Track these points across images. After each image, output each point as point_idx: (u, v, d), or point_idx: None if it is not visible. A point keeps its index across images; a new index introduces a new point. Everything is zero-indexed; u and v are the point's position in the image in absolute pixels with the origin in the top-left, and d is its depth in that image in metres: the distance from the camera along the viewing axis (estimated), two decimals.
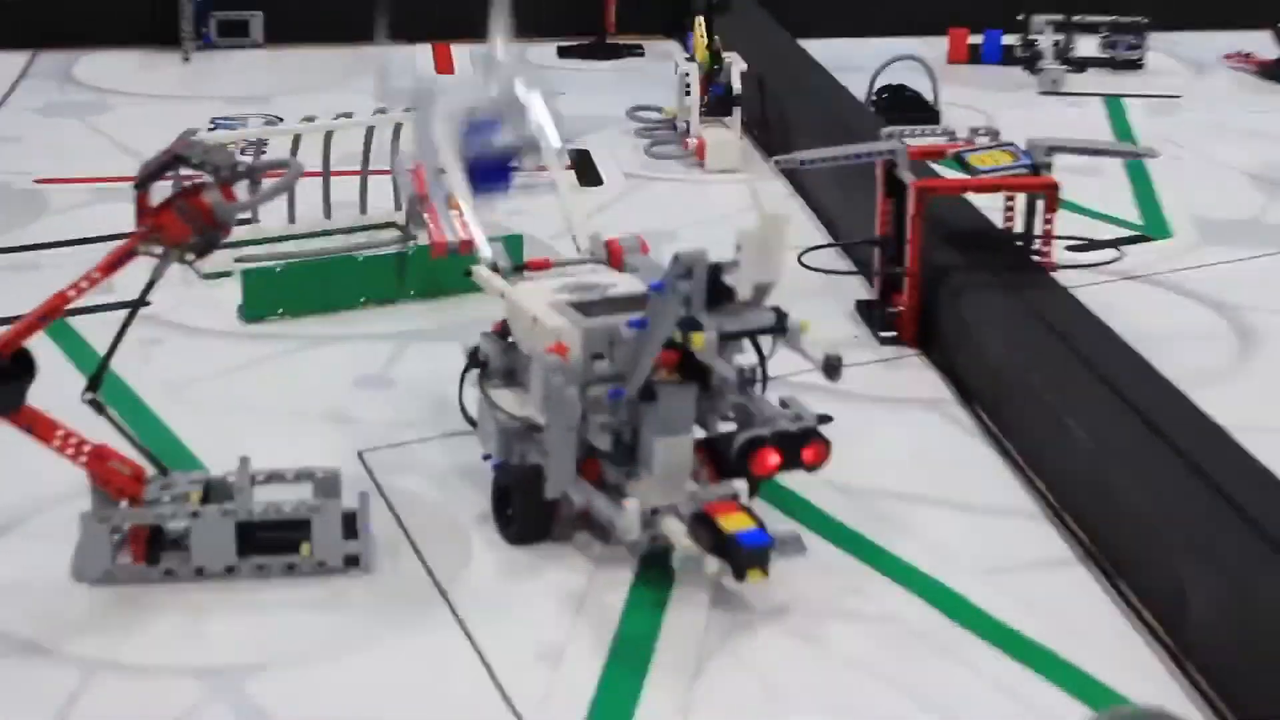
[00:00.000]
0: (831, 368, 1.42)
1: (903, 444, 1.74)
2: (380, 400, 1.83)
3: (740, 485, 1.47)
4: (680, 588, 1.44)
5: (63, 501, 1.55)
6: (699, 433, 1.51)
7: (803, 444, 1.44)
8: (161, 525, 1.48)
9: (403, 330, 1.99)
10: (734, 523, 1.40)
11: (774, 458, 1.44)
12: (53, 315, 1.44)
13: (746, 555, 1.38)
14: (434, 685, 1.35)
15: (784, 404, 1.49)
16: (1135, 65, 3.23)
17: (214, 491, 1.50)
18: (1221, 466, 1.51)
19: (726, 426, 1.49)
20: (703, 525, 1.41)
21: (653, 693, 1.34)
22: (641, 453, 1.43)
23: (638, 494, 1.41)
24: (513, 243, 2.08)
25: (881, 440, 1.75)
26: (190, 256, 1.45)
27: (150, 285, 1.46)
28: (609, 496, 1.44)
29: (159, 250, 1.43)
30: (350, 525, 1.48)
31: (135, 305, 1.48)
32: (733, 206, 2.30)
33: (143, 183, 1.50)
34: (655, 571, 1.46)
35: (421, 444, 1.71)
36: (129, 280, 1.44)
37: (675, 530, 1.41)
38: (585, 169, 2.61)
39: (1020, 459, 1.69)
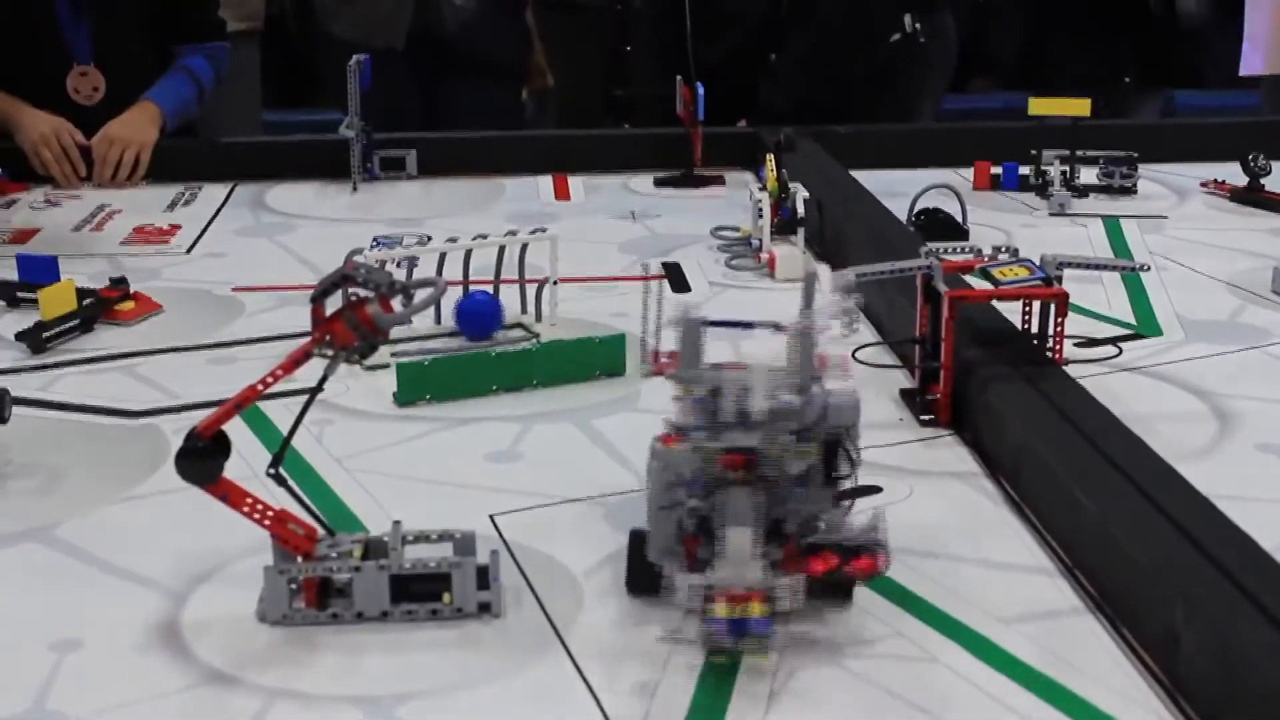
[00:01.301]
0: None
1: (939, 510, 1.70)
2: (508, 471, 1.81)
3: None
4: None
5: (249, 556, 1.54)
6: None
7: (856, 555, 1.39)
8: (329, 577, 1.47)
9: (527, 413, 1.98)
10: (749, 609, 1.34)
11: (827, 562, 1.38)
12: (245, 404, 1.44)
13: (752, 641, 1.34)
14: (551, 709, 1.33)
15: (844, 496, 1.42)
16: (1129, 191, 3.19)
17: (372, 549, 1.48)
18: (1206, 530, 1.48)
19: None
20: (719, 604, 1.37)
21: (734, 716, 1.31)
22: (717, 539, 1.39)
23: (717, 573, 1.37)
24: (615, 342, 2.08)
25: (921, 506, 1.72)
26: (356, 357, 1.45)
27: (324, 379, 1.46)
28: (690, 569, 1.40)
29: (330, 352, 1.43)
30: (483, 578, 1.47)
31: (312, 394, 1.47)
32: (797, 309, 2.27)
33: (317, 297, 1.50)
34: None
35: (542, 509, 1.69)
36: (305, 371, 1.44)
37: (719, 609, 1.37)
38: (677, 278, 2.61)
39: (1037, 523, 1.66)
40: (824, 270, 1.52)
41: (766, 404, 1.32)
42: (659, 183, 3.36)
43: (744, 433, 1.35)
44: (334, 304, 1.45)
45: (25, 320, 2.30)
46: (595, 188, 3.36)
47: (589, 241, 2.84)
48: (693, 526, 1.41)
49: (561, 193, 3.33)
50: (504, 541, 1.62)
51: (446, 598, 1.45)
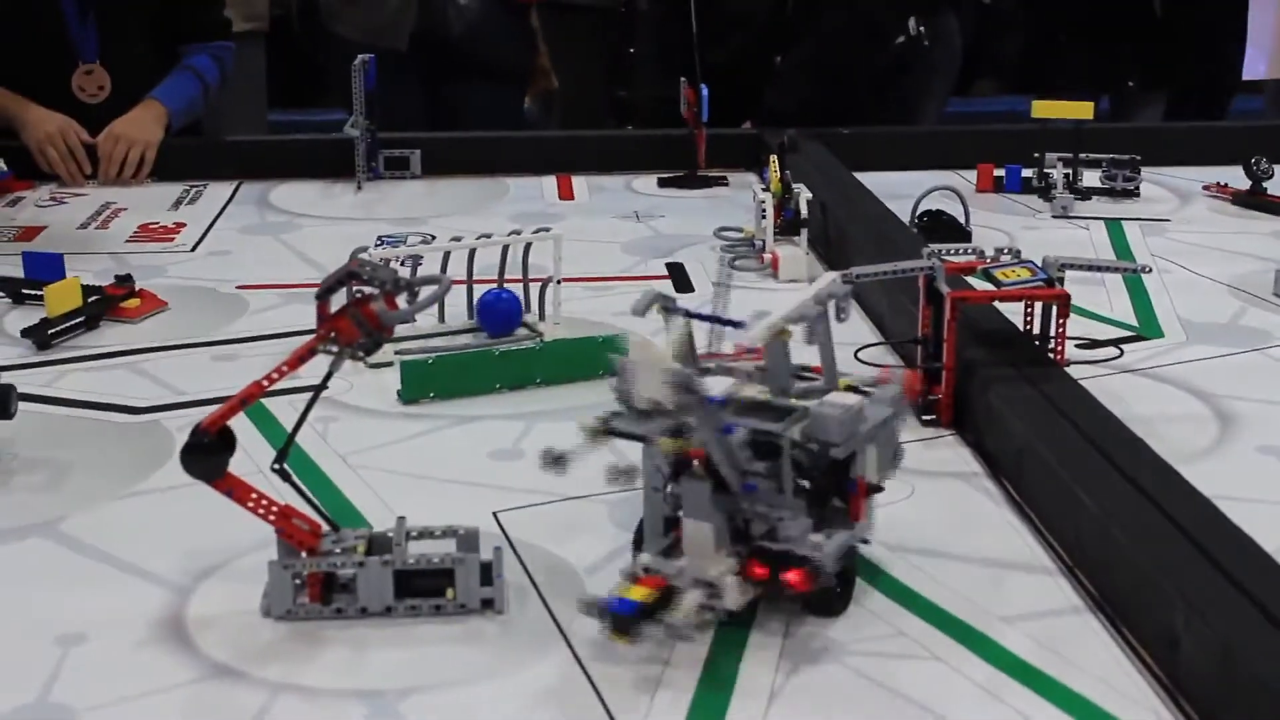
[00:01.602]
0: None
1: (940, 509, 1.71)
2: (511, 469, 1.82)
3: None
4: (757, 631, 1.42)
5: (254, 551, 1.54)
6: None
7: (788, 567, 1.38)
8: (333, 572, 1.48)
9: (530, 411, 1.98)
10: (631, 591, 1.36)
11: (758, 570, 1.39)
12: (250, 400, 1.44)
13: (610, 618, 1.35)
14: (553, 705, 1.34)
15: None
16: (1132, 194, 3.19)
17: (376, 545, 1.49)
18: (1205, 530, 1.48)
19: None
20: None
21: (736, 713, 1.32)
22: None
23: (680, 561, 1.39)
24: (618, 342, 2.08)
25: (922, 506, 1.72)
26: (360, 354, 1.46)
27: (329, 375, 1.47)
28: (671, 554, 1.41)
29: (335, 349, 1.44)
30: (487, 574, 1.47)
31: (316, 391, 1.48)
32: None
33: (322, 294, 1.51)
34: (739, 616, 1.43)
35: (545, 506, 1.70)
36: (309, 369, 1.45)
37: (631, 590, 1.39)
38: (679, 278, 2.62)
39: (1038, 522, 1.67)
40: (828, 276, 1.53)
41: (652, 392, 1.31)
42: (663, 183, 3.36)
43: (634, 420, 1.36)
44: (339, 301, 1.45)
45: (31, 317, 2.31)
46: (599, 188, 3.37)
47: (592, 241, 2.84)
48: (670, 510, 1.42)
49: (565, 193, 3.34)
50: (507, 538, 1.62)
51: (450, 593, 1.46)
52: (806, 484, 1.42)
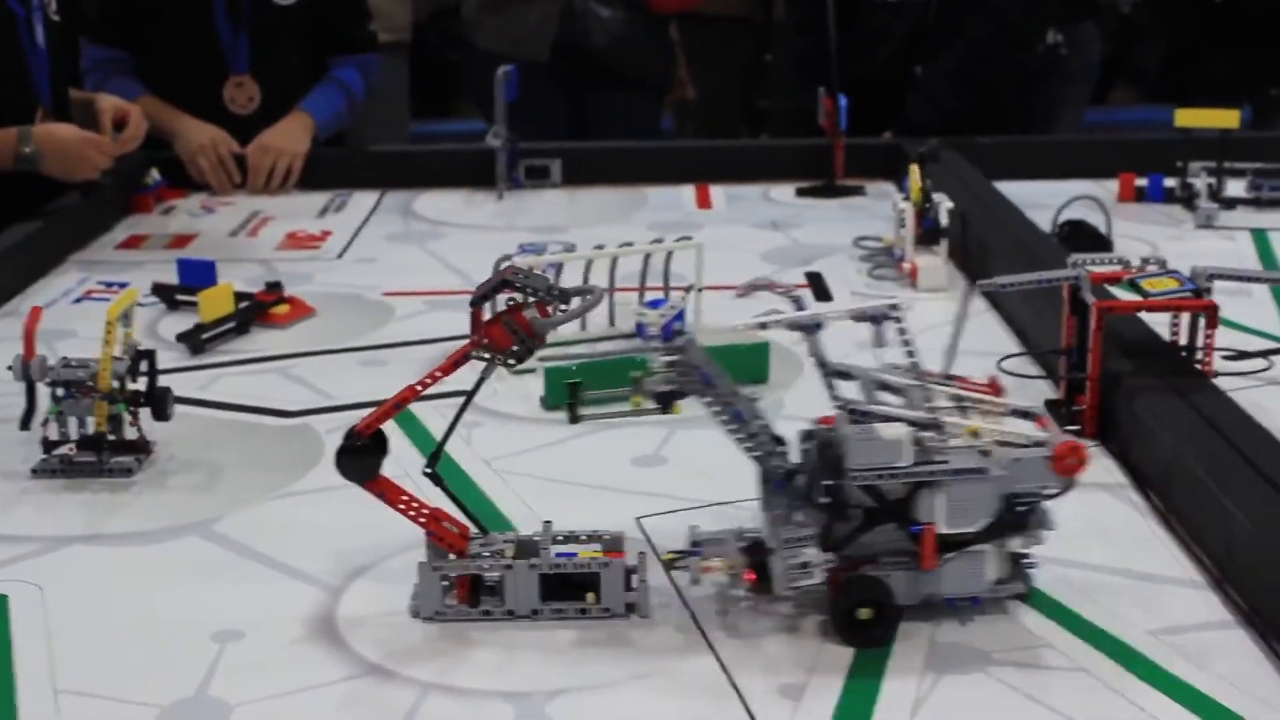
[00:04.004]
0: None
1: (1085, 521, 1.68)
2: (654, 475, 1.83)
3: None
4: (902, 639, 1.41)
5: (403, 552, 1.57)
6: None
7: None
8: (481, 575, 1.49)
9: (672, 418, 1.98)
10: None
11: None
12: (403, 404, 1.47)
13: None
14: (698, 709, 1.34)
15: None
16: (1278, 204, 3.14)
17: (522, 549, 1.50)
18: None
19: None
20: None
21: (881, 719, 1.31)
22: None
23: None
24: (759, 350, 2.08)
25: (1067, 518, 1.69)
26: (512, 361, 1.47)
27: (480, 383, 1.48)
28: None
29: (487, 355, 1.45)
30: (630, 579, 1.48)
31: (468, 397, 1.50)
32: (939, 319, 2.27)
33: (476, 301, 1.53)
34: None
35: (688, 513, 1.70)
36: (457, 375, 1.47)
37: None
38: (819, 287, 2.61)
39: (1187, 536, 1.64)
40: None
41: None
42: (801, 193, 3.35)
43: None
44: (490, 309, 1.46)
45: (184, 322, 2.36)
46: (736, 197, 3.37)
47: (731, 250, 2.84)
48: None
49: (703, 202, 3.34)
50: (650, 544, 1.63)
51: (594, 597, 1.46)
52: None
